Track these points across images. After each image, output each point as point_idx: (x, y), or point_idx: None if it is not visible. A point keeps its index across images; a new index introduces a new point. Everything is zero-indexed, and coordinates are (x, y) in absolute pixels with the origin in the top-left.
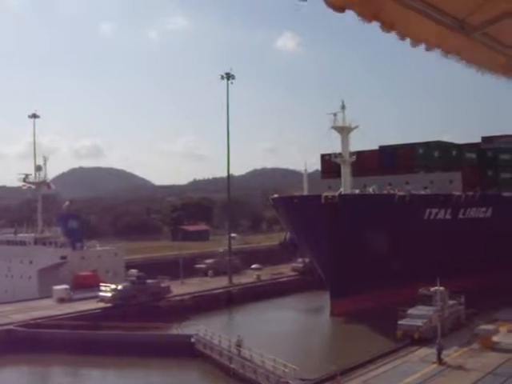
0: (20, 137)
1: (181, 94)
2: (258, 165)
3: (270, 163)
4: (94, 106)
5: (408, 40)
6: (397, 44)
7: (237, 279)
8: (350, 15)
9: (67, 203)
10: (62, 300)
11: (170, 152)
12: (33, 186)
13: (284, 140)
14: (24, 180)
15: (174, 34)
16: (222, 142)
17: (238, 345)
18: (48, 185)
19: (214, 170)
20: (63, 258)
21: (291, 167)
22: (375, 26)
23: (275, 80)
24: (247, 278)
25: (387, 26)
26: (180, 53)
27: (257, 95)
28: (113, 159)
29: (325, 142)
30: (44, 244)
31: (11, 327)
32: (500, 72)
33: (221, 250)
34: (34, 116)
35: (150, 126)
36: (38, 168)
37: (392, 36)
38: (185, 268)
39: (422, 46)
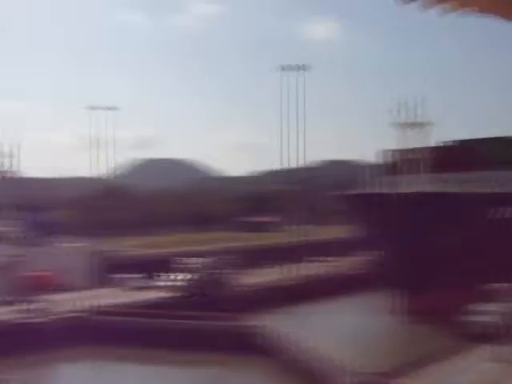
0: None
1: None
2: (316, 156)
3: (328, 155)
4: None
5: None
6: None
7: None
8: None
9: None
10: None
11: (224, 142)
12: None
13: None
14: None
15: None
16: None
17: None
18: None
19: (267, 161)
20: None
21: (351, 159)
22: None
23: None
24: (312, 269)
25: None
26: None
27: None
28: (169, 149)
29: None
30: None
31: (81, 314)
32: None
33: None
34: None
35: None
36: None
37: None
38: None
39: None
